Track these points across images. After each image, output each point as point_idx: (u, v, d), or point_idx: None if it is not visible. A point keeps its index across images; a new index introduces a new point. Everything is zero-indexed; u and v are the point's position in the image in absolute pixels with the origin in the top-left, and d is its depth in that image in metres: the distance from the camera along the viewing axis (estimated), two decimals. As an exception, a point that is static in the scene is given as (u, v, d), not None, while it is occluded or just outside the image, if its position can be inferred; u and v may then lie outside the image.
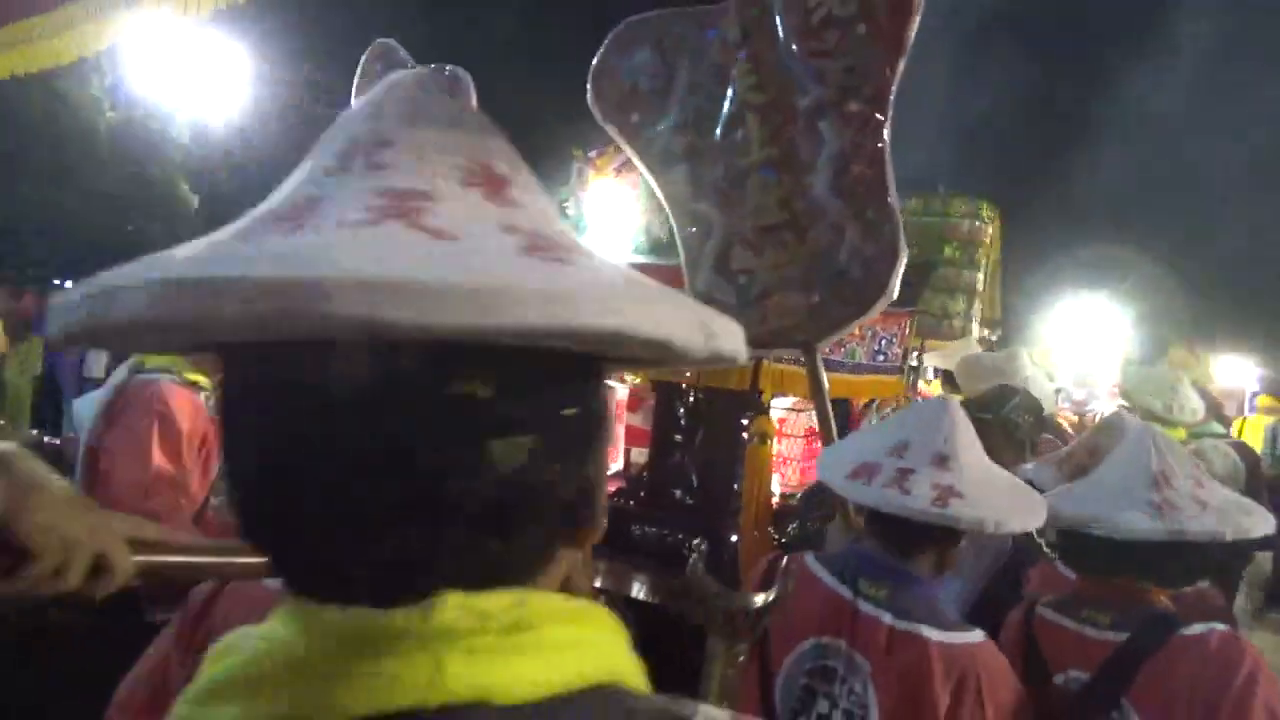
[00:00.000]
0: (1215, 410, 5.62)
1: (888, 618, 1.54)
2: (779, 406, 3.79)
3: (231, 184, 13.52)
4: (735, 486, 3.07)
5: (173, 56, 8.63)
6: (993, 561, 2.39)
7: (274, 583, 1.20)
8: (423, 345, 0.45)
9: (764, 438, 2.99)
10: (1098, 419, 5.33)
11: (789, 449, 4.21)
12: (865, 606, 1.58)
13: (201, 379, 2.70)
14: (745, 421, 3.09)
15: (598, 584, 2.85)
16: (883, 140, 2.18)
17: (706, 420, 3.19)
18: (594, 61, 2.44)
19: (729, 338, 0.53)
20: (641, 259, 3.22)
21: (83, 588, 0.85)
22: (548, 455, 0.53)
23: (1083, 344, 15.00)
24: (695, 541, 2.78)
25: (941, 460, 1.59)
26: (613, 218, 3.50)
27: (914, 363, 5.38)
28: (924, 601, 1.59)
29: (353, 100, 3.51)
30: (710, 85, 2.33)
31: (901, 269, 2.17)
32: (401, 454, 0.49)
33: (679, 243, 2.40)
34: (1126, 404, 4.53)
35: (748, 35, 2.28)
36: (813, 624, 1.60)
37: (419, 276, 0.43)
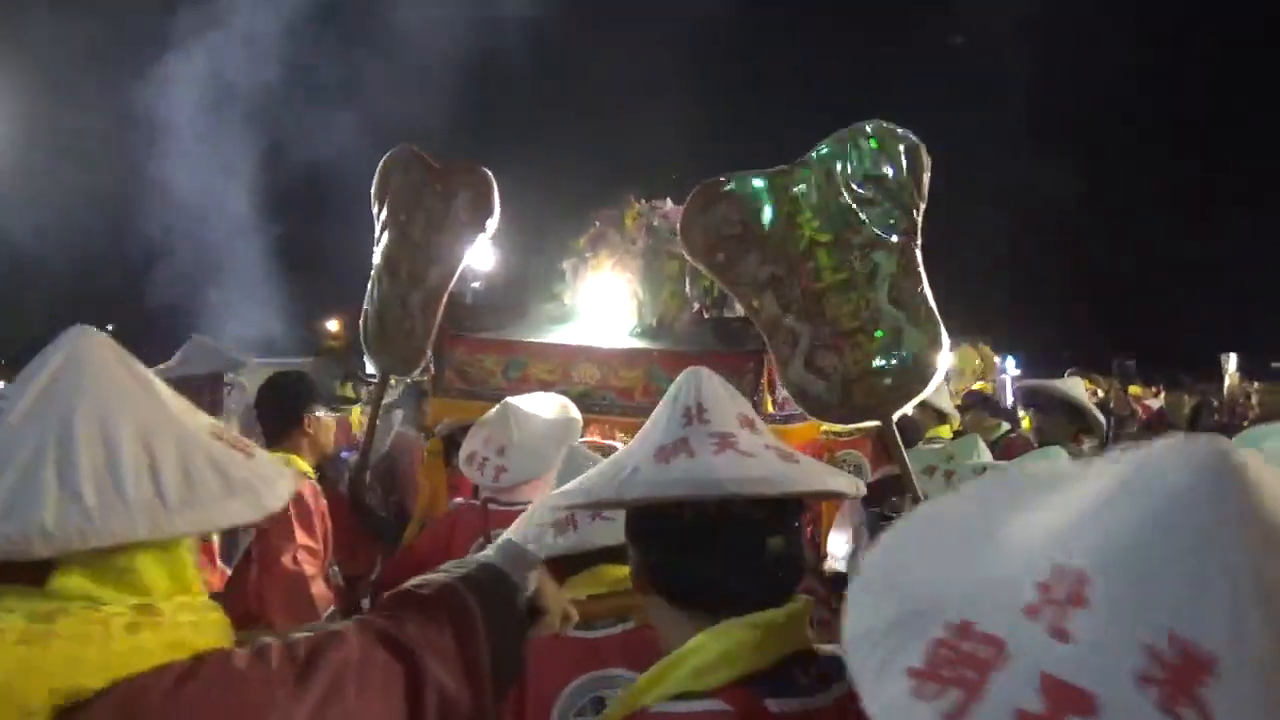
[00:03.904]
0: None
1: None
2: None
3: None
4: None
5: None
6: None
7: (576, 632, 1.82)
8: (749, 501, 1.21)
9: None
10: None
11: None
12: None
13: (310, 470, 3.11)
14: None
15: None
16: (918, 262, 2.98)
17: None
18: (681, 216, 3.10)
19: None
20: (636, 343, 3.75)
21: (557, 630, 1.41)
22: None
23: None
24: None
25: None
26: (607, 307, 4.00)
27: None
28: None
29: (374, 201, 3.82)
30: (782, 228, 3.04)
31: (947, 354, 2.96)
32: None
33: (771, 349, 3.06)
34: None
35: (809, 190, 3.03)
36: None
37: (754, 474, 1.19)
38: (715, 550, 1.20)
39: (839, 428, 4.58)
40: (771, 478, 1.20)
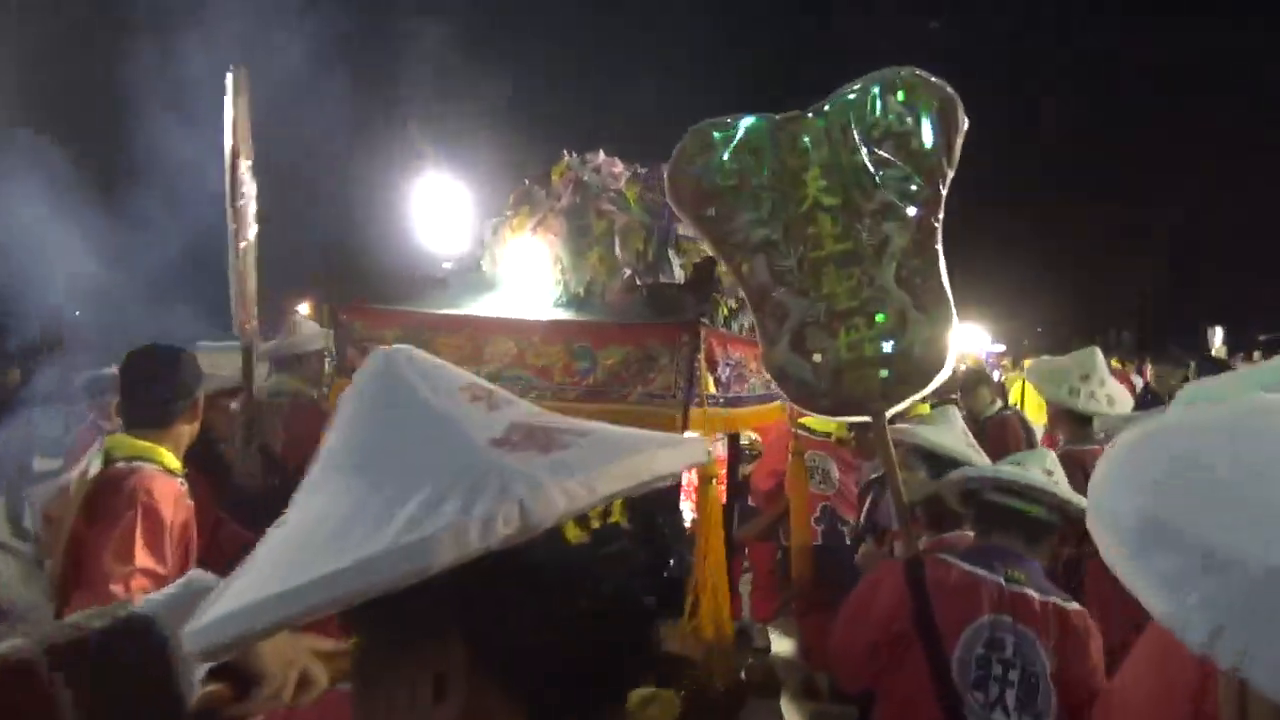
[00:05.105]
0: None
1: (1034, 593, 2.16)
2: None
3: None
4: (660, 520, 3.17)
5: None
6: None
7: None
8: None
9: (708, 479, 2.98)
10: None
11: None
12: (1013, 588, 2.17)
13: (178, 466, 2.68)
14: None
15: None
16: (937, 241, 2.59)
17: None
18: (671, 158, 2.65)
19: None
20: (561, 314, 3.29)
21: (292, 701, 0.97)
22: None
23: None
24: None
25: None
26: (529, 274, 3.51)
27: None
28: (1042, 578, 2.24)
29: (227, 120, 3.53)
30: (783, 185, 2.62)
31: (955, 349, 2.60)
32: None
33: (756, 324, 2.68)
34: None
35: (818, 143, 2.59)
36: (978, 608, 2.15)
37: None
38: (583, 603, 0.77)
39: (816, 422, 4.22)
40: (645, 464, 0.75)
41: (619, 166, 3.54)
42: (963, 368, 7.67)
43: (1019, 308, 22.27)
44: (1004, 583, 2.17)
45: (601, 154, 3.59)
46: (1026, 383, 11.20)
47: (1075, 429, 4.04)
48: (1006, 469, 2.41)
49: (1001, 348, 20.76)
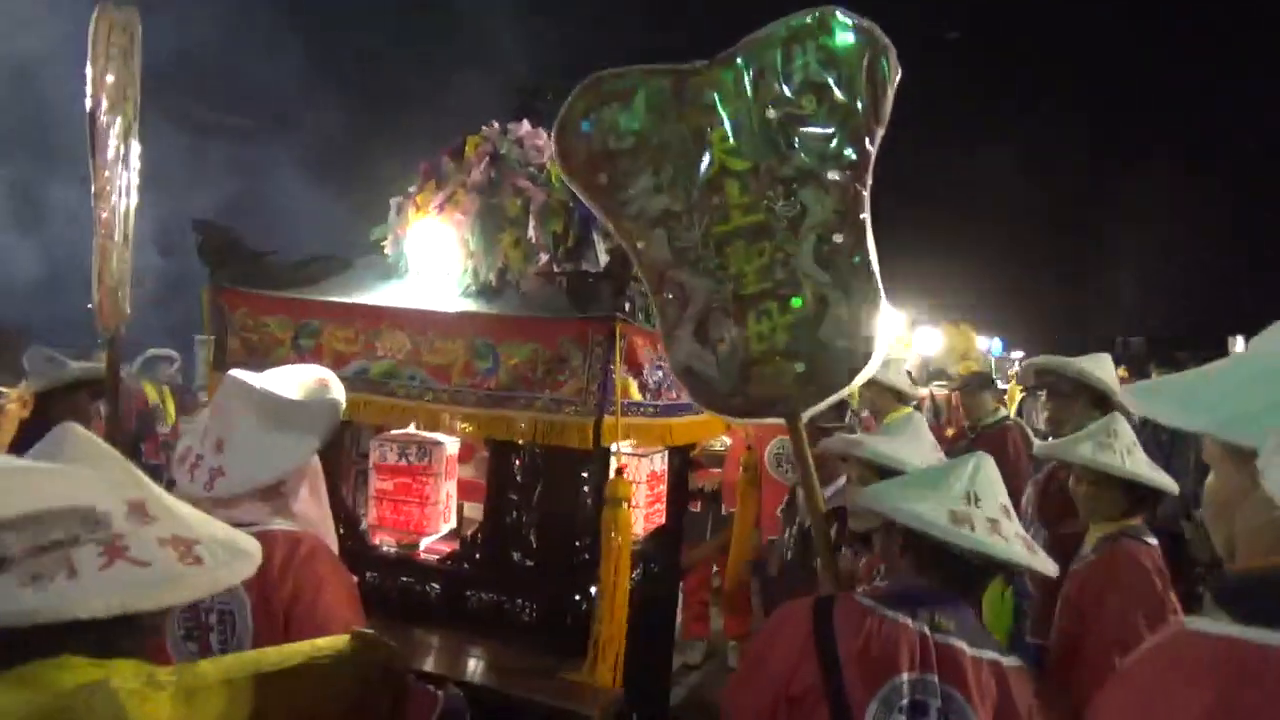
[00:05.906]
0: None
1: (965, 646, 1.76)
2: (622, 453, 3.19)
3: None
4: (576, 544, 2.86)
5: None
6: None
7: None
8: None
9: (618, 501, 2.62)
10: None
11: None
12: (939, 638, 1.76)
13: None
14: (585, 475, 2.88)
15: (428, 667, 2.52)
16: (865, 211, 2.20)
17: (545, 477, 2.92)
18: (559, 115, 2.29)
19: None
20: (469, 304, 2.83)
21: None
22: None
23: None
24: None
25: (1007, 512, 1.85)
26: (435, 259, 3.02)
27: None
28: (974, 627, 1.83)
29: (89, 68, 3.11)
30: (685, 147, 2.24)
31: (886, 339, 2.21)
32: None
33: (655, 310, 2.31)
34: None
35: (726, 97, 2.22)
36: (895, 665, 1.74)
37: None
38: None
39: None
40: None
41: (543, 139, 3.17)
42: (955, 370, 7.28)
43: (1028, 311, 21.69)
44: (928, 632, 1.76)
45: (526, 124, 3.23)
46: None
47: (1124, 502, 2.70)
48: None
49: (1020, 354, 20.08)
